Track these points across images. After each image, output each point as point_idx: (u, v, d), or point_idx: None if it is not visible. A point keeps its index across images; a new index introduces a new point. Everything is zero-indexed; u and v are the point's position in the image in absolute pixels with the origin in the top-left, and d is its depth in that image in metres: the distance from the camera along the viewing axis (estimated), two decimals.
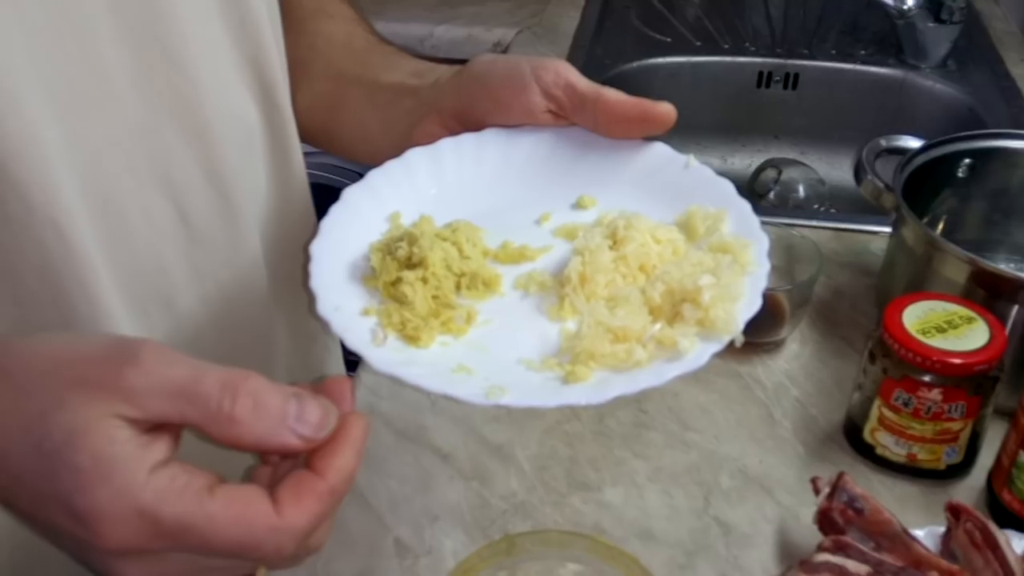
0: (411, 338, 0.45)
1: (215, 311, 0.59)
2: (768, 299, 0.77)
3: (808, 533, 0.60)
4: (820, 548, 0.56)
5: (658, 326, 0.46)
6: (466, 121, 0.57)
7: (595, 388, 0.43)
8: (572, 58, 1.27)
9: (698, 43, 1.33)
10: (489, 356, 0.45)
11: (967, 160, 0.79)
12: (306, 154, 0.68)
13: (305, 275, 0.46)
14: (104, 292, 0.50)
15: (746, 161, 1.33)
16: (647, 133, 0.55)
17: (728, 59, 1.31)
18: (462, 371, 0.44)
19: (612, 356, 0.44)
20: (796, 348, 0.79)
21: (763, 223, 0.57)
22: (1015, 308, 0.67)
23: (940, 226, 0.82)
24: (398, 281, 0.46)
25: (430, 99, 0.59)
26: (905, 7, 1.21)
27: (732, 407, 0.74)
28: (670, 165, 0.54)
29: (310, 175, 0.70)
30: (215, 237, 0.57)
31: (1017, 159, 0.80)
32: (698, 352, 0.44)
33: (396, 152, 0.54)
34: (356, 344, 0.43)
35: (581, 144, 0.55)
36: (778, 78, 1.30)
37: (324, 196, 0.59)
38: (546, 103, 0.55)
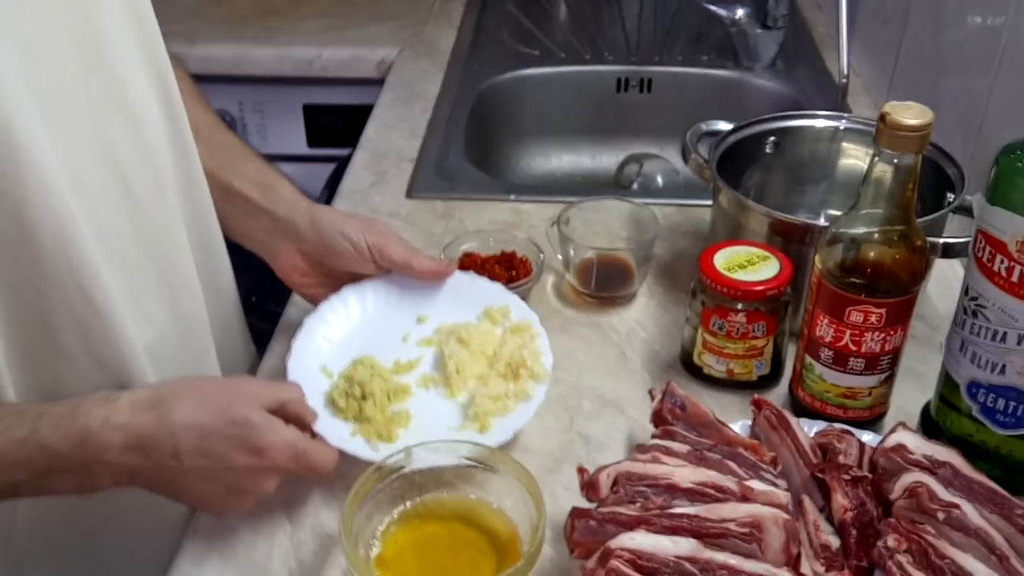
0: (387, 439, 0.74)
1: (158, 263, 0.74)
2: (618, 260, 0.94)
3: (650, 436, 0.75)
4: (653, 436, 0.71)
5: (511, 385, 0.78)
6: (321, 265, 0.83)
7: (499, 432, 0.74)
8: (450, 72, 1.41)
9: (563, 55, 1.49)
10: (434, 432, 0.73)
11: (771, 138, 0.97)
12: None
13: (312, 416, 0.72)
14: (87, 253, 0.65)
15: (612, 158, 1.50)
16: (443, 279, 0.84)
17: (590, 68, 1.47)
18: (424, 445, 0.70)
19: (496, 409, 0.76)
20: (644, 300, 0.95)
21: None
22: (807, 249, 0.84)
23: (751, 193, 0.99)
24: (361, 410, 0.75)
25: (289, 234, 0.82)
26: (736, 16, 1.40)
27: (592, 350, 0.89)
28: (462, 281, 0.85)
29: None
30: (151, 203, 0.73)
31: (809, 135, 0.97)
32: (538, 392, 0.77)
33: (256, 251, 0.84)
34: (355, 450, 0.72)
35: (407, 283, 0.84)
36: (634, 83, 1.47)
37: None
38: (379, 268, 0.82)
